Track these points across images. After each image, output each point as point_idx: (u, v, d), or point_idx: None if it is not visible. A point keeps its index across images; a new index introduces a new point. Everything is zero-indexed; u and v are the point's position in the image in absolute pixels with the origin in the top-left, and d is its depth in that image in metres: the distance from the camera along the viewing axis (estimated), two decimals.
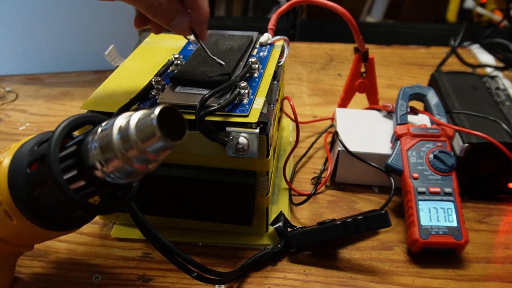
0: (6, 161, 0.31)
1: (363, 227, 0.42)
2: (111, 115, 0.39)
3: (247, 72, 0.46)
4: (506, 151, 0.49)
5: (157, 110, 0.24)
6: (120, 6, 0.63)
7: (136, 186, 0.33)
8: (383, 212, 0.43)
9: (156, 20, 0.40)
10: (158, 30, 0.44)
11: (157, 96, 0.43)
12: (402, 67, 0.86)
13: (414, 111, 0.56)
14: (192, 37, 0.54)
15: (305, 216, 0.51)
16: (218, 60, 0.45)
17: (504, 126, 0.52)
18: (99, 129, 0.27)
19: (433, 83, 0.66)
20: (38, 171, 0.30)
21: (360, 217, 0.42)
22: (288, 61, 0.86)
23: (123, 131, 0.26)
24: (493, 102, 0.59)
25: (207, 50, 0.45)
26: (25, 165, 0.30)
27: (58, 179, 0.28)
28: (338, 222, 0.43)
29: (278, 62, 0.51)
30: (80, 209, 0.30)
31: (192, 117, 0.39)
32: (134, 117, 0.26)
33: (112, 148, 0.26)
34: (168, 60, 0.48)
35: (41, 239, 0.35)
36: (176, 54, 0.49)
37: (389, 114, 0.58)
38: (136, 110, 0.27)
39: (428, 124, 0.54)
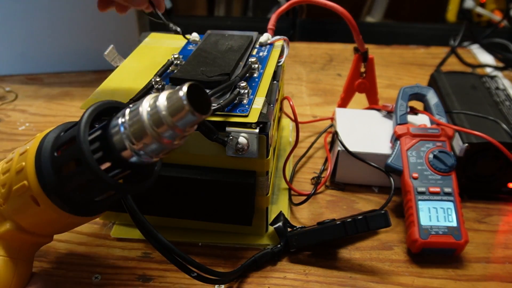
0: (32, 148, 0.32)
1: (363, 227, 0.42)
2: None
3: (246, 72, 0.46)
4: (505, 151, 0.49)
5: (185, 87, 0.27)
6: None
7: (158, 170, 0.34)
8: (383, 212, 0.43)
9: None
10: (123, 9, 0.44)
11: None
12: (402, 67, 0.86)
13: (414, 111, 0.56)
14: (191, 37, 0.54)
15: (305, 216, 0.51)
16: (175, 27, 0.45)
17: (504, 126, 0.52)
18: (127, 110, 0.29)
19: (433, 83, 0.66)
20: (66, 153, 0.31)
21: (360, 217, 0.42)
22: (288, 61, 0.86)
23: (153, 108, 0.28)
24: (493, 102, 0.59)
25: (162, 18, 0.45)
26: (52, 150, 0.31)
27: (88, 158, 0.29)
28: (338, 222, 0.43)
29: (278, 62, 0.51)
30: (110, 188, 0.31)
31: None
32: (162, 95, 0.28)
33: (143, 125, 0.28)
34: (168, 60, 0.48)
35: (63, 227, 0.35)
36: (175, 54, 0.49)
37: (389, 114, 0.58)
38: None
39: (428, 124, 0.54)
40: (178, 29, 0.52)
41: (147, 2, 0.42)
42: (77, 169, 0.31)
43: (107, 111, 0.32)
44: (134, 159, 0.29)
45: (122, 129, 0.29)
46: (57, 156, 0.31)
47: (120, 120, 0.29)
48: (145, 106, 0.28)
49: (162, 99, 0.28)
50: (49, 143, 0.32)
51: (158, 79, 0.44)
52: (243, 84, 0.42)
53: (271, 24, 0.55)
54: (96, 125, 0.31)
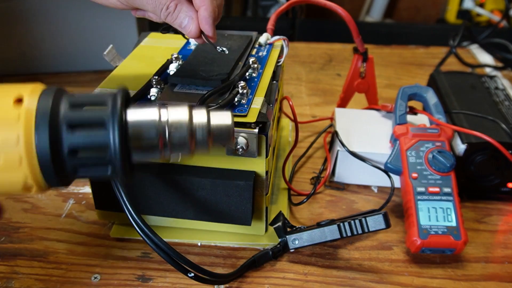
0: (31, 109, 0.28)
1: (363, 228, 0.42)
2: None
3: (246, 72, 0.46)
4: (505, 151, 0.49)
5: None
6: None
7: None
8: (382, 213, 0.42)
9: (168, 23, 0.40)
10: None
11: (156, 96, 0.43)
12: (401, 67, 0.86)
13: (413, 111, 0.56)
14: None
15: (305, 216, 0.51)
16: (223, 48, 0.44)
17: (503, 126, 0.52)
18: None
19: (432, 83, 0.66)
20: (93, 137, 0.29)
21: (360, 219, 0.42)
22: (287, 61, 0.86)
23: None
24: (492, 102, 0.59)
25: (214, 45, 0.44)
26: (65, 127, 0.29)
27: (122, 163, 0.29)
28: (337, 223, 0.43)
29: (277, 62, 0.51)
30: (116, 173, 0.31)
31: None
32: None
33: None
34: (167, 59, 0.48)
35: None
36: (175, 54, 0.48)
37: (388, 114, 0.58)
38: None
39: (427, 124, 0.54)
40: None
41: (199, 33, 0.41)
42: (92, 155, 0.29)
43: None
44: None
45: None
46: (74, 137, 0.29)
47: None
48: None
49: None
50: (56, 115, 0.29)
51: (157, 79, 0.44)
52: (242, 84, 0.42)
53: (270, 24, 0.55)
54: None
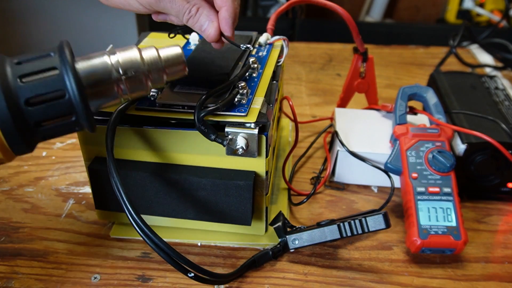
0: None
1: (363, 228, 0.42)
2: (110, 114, 0.39)
3: (246, 72, 0.46)
4: (504, 151, 0.49)
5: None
6: None
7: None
8: (382, 213, 0.42)
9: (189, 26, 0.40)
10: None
11: (156, 95, 0.43)
12: (401, 67, 0.86)
13: (413, 111, 0.56)
14: (191, 37, 0.54)
15: (304, 216, 0.51)
16: (247, 45, 0.43)
17: (503, 126, 0.52)
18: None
19: (432, 83, 0.66)
20: (55, 107, 0.30)
21: (360, 219, 0.42)
22: (287, 61, 0.86)
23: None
24: (492, 102, 0.59)
25: (237, 45, 0.43)
26: (21, 101, 0.29)
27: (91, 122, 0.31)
28: (337, 223, 0.43)
29: (277, 62, 0.51)
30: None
31: (191, 116, 0.39)
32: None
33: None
34: None
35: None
36: None
37: (388, 114, 0.58)
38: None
39: (427, 124, 0.54)
40: (178, 29, 0.52)
41: (219, 37, 0.41)
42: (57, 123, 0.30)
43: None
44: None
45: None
46: (34, 109, 0.29)
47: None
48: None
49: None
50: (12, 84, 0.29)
51: None
52: (242, 84, 0.42)
53: (270, 24, 0.55)
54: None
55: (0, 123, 0.29)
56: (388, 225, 0.42)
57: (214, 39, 0.40)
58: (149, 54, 0.35)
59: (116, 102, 0.35)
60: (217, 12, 0.39)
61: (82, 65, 0.32)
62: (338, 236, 0.43)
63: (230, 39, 0.40)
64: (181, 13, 0.39)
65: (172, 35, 0.49)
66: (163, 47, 0.36)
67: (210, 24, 0.39)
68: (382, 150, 0.53)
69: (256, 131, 0.40)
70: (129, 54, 0.34)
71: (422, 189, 0.47)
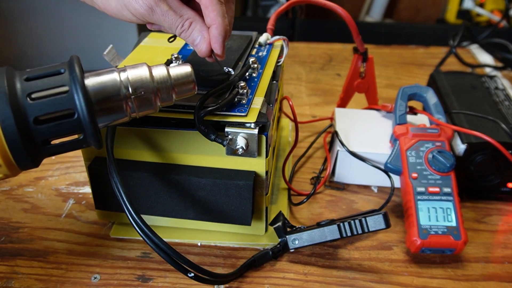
0: None
1: (363, 228, 0.42)
2: None
3: (246, 72, 0.46)
4: (504, 151, 0.49)
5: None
6: None
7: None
8: (382, 213, 0.42)
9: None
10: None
11: None
12: (401, 67, 0.86)
13: (413, 111, 0.56)
14: None
15: (304, 216, 0.51)
16: (229, 69, 0.44)
17: (503, 126, 0.52)
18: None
19: (432, 83, 0.66)
20: (66, 126, 0.30)
21: (360, 219, 0.42)
22: (287, 61, 0.86)
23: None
24: (492, 102, 0.59)
25: (221, 65, 0.44)
26: (30, 119, 0.29)
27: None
28: (337, 223, 0.43)
29: (277, 62, 0.51)
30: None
31: (191, 116, 0.39)
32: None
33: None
34: (167, 59, 0.48)
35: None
36: (175, 54, 0.48)
37: (388, 114, 0.58)
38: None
39: (427, 124, 0.54)
40: None
41: (210, 53, 0.41)
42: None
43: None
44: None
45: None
46: (41, 128, 0.29)
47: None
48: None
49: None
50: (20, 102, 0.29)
51: None
52: (242, 84, 0.42)
53: (270, 24, 0.55)
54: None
55: (8, 141, 0.28)
56: (388, 225, 0.42)
57: (206, 54, 0.40)
58: (159, 72, 0.34)
59: (125, 120, 0.34)
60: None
61: (91, 82, 0.31)
62: (338, 236, 0.43)
63: (219, 57, 0.40)
64: (173, 27, 0.39)
65: (172, 39, 0.49)
66: (173, 66, 0.36)
67: (203, 40, 0.39)
68: (382, 150, 0.53)
69: (256, 131, 0.40)
70: (139, 72, 0.33)
71: (422, 189, 0.47)
